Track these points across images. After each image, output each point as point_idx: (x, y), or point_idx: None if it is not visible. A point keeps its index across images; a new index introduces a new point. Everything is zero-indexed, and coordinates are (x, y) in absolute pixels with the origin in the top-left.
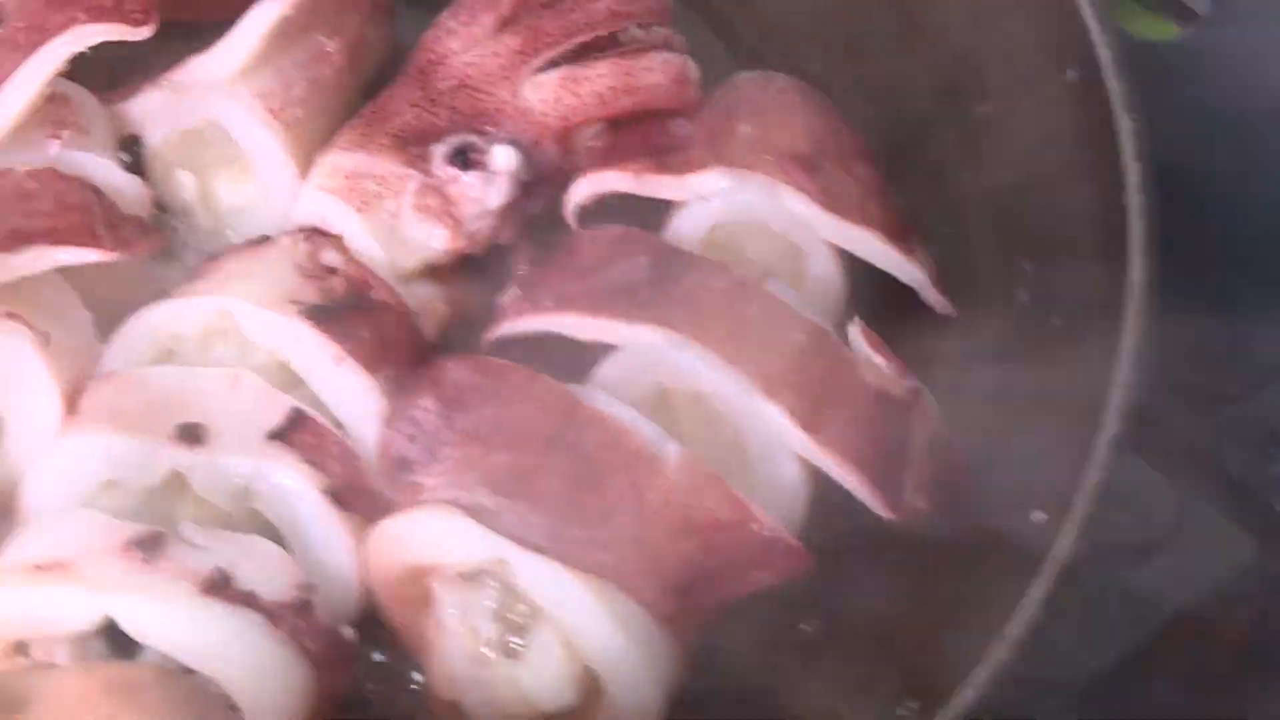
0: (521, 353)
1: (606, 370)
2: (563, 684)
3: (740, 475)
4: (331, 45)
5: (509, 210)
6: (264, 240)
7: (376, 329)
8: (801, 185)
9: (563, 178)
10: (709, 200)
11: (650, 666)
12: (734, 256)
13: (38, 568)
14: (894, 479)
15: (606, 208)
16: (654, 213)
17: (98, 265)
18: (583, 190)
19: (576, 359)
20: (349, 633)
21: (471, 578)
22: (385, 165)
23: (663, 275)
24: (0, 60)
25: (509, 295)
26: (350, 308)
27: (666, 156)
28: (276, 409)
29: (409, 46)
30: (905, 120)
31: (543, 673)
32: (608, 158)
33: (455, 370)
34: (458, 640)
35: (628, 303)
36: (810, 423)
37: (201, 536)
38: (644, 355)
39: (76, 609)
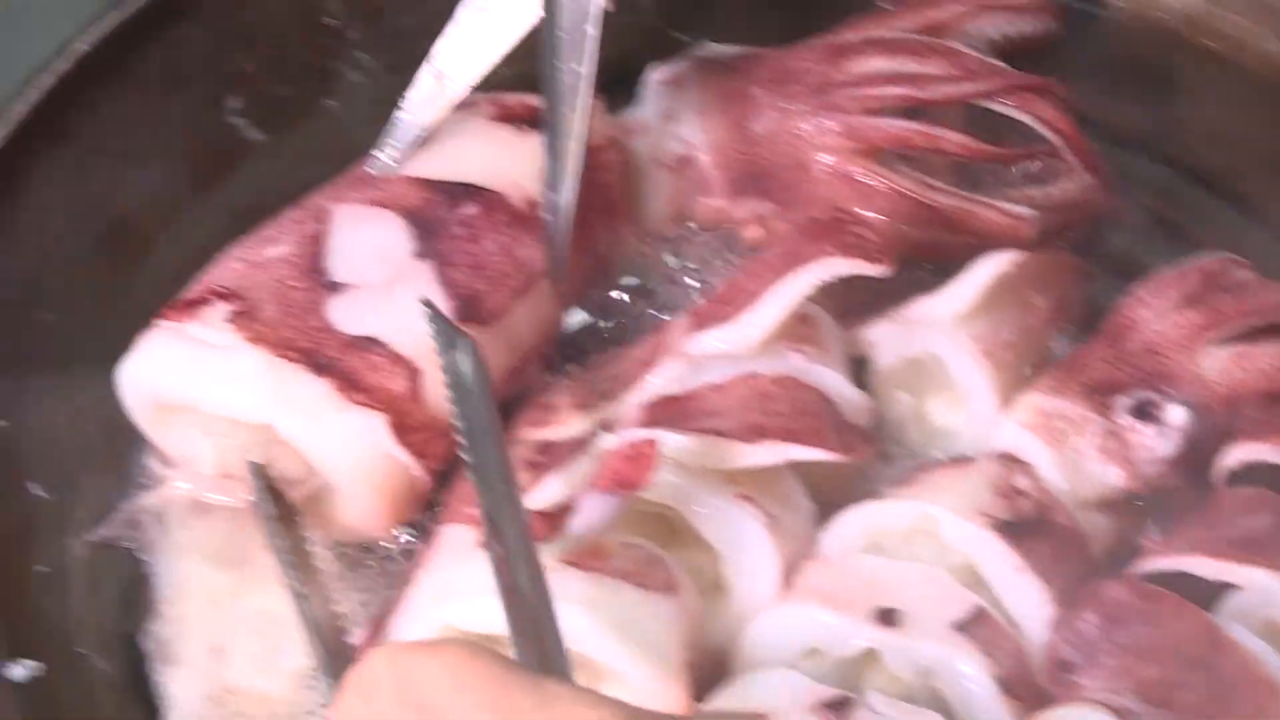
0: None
1: (1229, 604)
2: None
3: None
4: (1040, 301)
5: (1176, 460)
6: (965, 460)
7: (1053, 547)
8: None
9: (1223, 438)
10: None
11: None
12: None
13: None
14: None
15: (1249, 468)
16: None
17: (822, 463)
18: (1235, 456)
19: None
20: None
21: None
22: (1076, 409)
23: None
24: (761, 279)
25: (1152, 537)
26: (1033, 526)
27: None
28: (962, 604)
29: (1104, 308)
30: None
31: None
32: (1261, 429)
33: (1117, 591)
34: None
35: (1246, 550)
36: None
37: (884, 705)
38: (1259, 594)
39: None
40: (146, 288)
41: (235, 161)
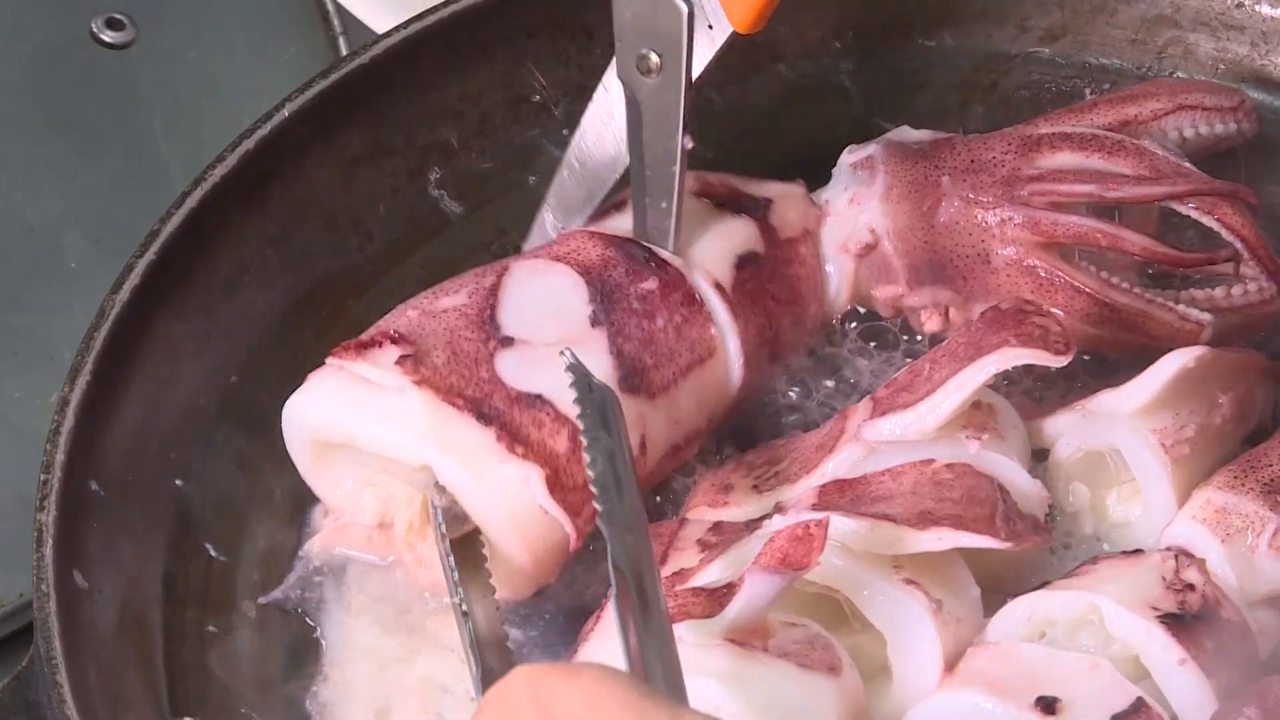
0: None
1: None
2: None
3: None
4: (1223, 398)
5: None
6: (1136, 552)
7: (1219, 642)
8: None
9: None
10: None
11: None
12: None
13: None
14: None
15: None
16: None
17: (990, 551)
18: None
19: None
20: None
21: None
22: (1251, 507)
23: None
24: (942, 367)
25: None
26: (1201, 620)
27: None
28: (1124, 695)
29: None
30: None
31: None
32: None
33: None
34: None
35: None
36: None
37: None
38: None
39: None
40: None
41: (433, 233)
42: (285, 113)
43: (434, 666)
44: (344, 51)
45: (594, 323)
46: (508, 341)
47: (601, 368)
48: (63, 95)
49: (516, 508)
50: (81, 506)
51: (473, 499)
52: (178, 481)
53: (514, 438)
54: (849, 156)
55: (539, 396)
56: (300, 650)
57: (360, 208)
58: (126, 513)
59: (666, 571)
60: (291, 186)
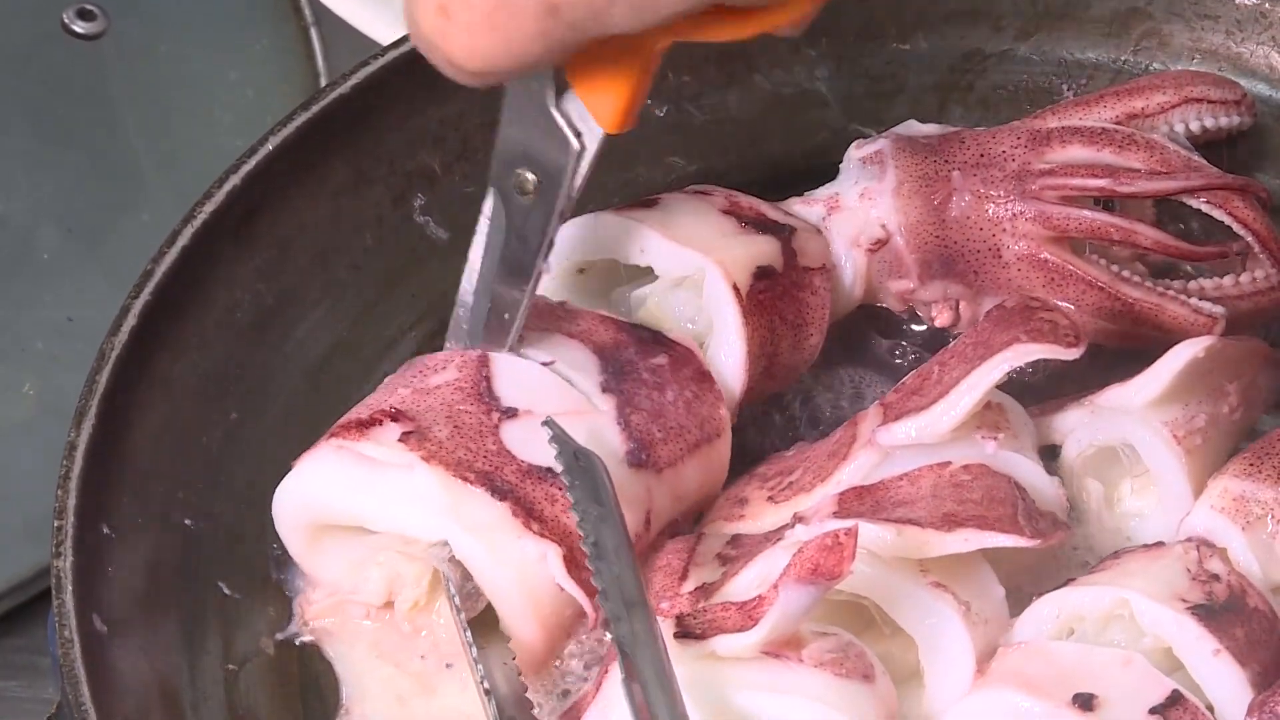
0: None
1: None
2: None
3: None
4: (1230, 387)
5: None
6: (1158, 545)
7: (1248, 630)
8: None
9: None
10: None
11: None
12: None
13: None
14: None
15: None
16: None
17: (1013, 549)
18: None
19: None
20: None
21: None
22: (1269, 493)
23: None
24: (951, 369)
25: None
26: (1229, 609)
27: None
28: (1159, 689)
29: None
30: None
31: None
32: None
33: None
34: None
35: None
36: None
37: None
38: None
39: None
40: (331, 387)
41: (421, 260)
42: (269, 146)
43: (455, 696)
44: (316, 43)
45: (604, 389)
46: (511, 413)
47: (611, 438)
48: (34, 86)
49: (533, 585)
50: (95, 550)
51: (489, 575)
52: (187, 521)
53: (529, 514)
54: (857, 151)
55: (549, 470)
56: (321, 685)
57: (347, 238)
58: (139, 554)
59: (688, 587)
60: (279, 220)
